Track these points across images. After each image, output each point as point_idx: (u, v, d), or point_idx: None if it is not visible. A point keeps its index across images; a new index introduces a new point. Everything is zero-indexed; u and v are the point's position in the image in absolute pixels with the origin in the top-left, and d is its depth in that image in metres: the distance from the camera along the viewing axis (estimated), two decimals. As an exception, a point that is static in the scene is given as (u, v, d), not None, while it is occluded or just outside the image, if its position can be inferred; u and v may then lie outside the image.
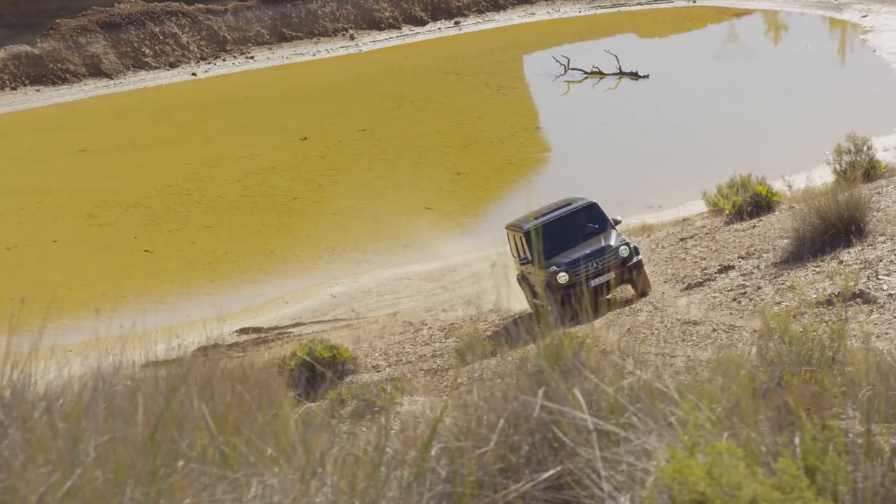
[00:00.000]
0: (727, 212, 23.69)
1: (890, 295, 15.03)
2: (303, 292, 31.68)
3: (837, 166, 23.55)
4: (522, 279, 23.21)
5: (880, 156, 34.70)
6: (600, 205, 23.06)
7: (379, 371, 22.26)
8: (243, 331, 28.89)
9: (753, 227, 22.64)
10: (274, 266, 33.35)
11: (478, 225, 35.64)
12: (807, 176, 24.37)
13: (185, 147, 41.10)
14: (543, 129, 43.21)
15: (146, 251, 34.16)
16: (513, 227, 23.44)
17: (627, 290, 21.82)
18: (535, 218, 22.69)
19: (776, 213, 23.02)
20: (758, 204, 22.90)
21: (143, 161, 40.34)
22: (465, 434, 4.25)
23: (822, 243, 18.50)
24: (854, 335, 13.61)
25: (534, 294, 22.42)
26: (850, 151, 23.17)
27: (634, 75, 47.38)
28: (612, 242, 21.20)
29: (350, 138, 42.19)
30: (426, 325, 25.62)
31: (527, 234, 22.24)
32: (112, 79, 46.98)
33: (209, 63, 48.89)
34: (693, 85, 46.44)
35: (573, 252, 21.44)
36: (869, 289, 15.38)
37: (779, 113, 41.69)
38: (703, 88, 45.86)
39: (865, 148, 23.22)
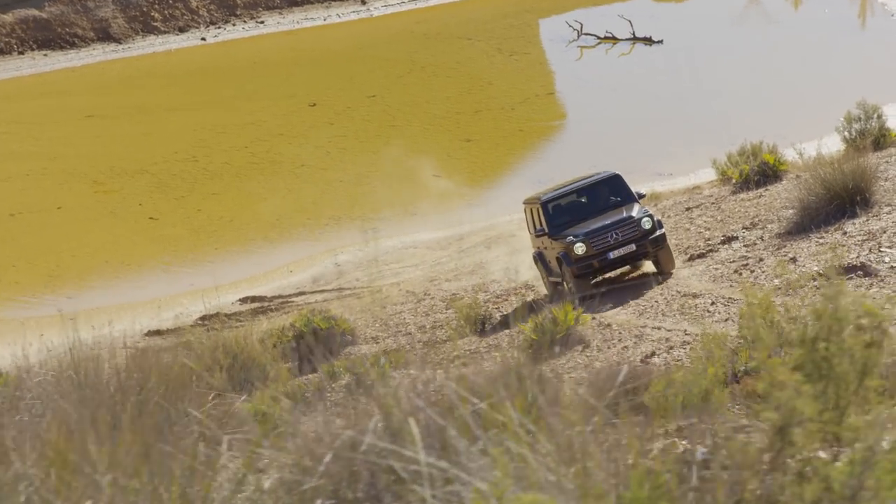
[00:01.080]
0: (734, 181, 23.22)
1: (892, 268, 14.65)
2: (307, 261, 31.39)
3: (847, 134, 23.04)
4: (538, 257, 21.85)
5: (895, 122, 34.19)
6: (623, 177, 21.84)
7: (378, 342, 21.97)
8: (246, 300, 28.64)
9: (760, 196, 22.22)
10: (279, 234, 33.06)
11: (486, 193, 35.29)
12: (818, 144, 23.84)
13: (193, 113, 40.77)
14: (555, 96, 42.69)
15: (151, 218, 33.92)
16: (530, 201, 22.21)
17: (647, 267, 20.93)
18: (555, 190, 21.67)
19: (783, 182, 22.57)
20: (765, 173, 22.44)
21: (150, 127, 40.04)
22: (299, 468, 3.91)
23: (826, 214, 18.12)
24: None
25: (549, 272, 21.32)
26: (860, 119, 22.66)
27: (648, 40, 46.79)
28: (634, 214, 19.91)
29: (359, 104, 41.78)
30: (429, 295, 25.30)
31: (544, 205, 21.06)
32: (121, 43, 46.63)
33: (219, 28, 48.50)
34: (708, 50, 45.83)
35: (592, 223, 20.24)
36: (870, 261, 14.99)
37: (794, 79, 41.10)
38: (719, 54, 45.25)
39: (876, 116, 22.70)
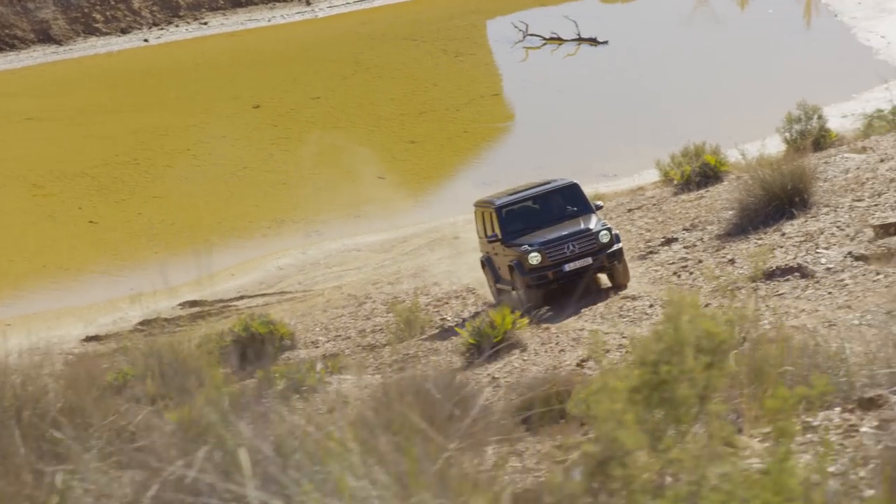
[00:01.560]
0: (676, 182, 23.14)
1: (828, 269, 14.58)
2: (249, 264, 31.09)
3: (788, 135, 23.01)
4: (486, 262, 21.14)
5: (838, 122, 34.24)
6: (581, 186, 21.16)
7: (318, 346, 21.75)
8: (186, 304, 28.30)
9: (701, 197, 22.18)
10: (221, 237, 32.71)
11: (430, 195, 35.11)
12: (761, 144, 23.82)
13: (135, 115, 40.28)
14: (501, 97, 42.54)
15: (91, 222, 33.48)
16: (482, 204, 21.42)
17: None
18: (509, 195, 20.95)
19: (724, 183, 22.53)
20: (706, 174, 22.34)
21: (92, 129, 39.52)
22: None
23: (765, 215, 18.10)
24: (787, 312, 13.11)
25: (497, 279, 20.71)
26: (800, 120, 22.63)
27: (594, 41, 46.75)
28: (592, 226, 19.27)
29: (303, 106, 41.45)
30: (370, 298, 25.07)
31: (499, 209, 20.25)
32: (62, 45, 46.01)
33: (162, 29, 47.98)
34: (655, 51, 45.83)
35: (548, 233, 19.57)
36: (807, 263, 14.92)
37: (739, 79, 41.18)
38: (664, 54, 45.27)
39: (816, 116, 22.69)
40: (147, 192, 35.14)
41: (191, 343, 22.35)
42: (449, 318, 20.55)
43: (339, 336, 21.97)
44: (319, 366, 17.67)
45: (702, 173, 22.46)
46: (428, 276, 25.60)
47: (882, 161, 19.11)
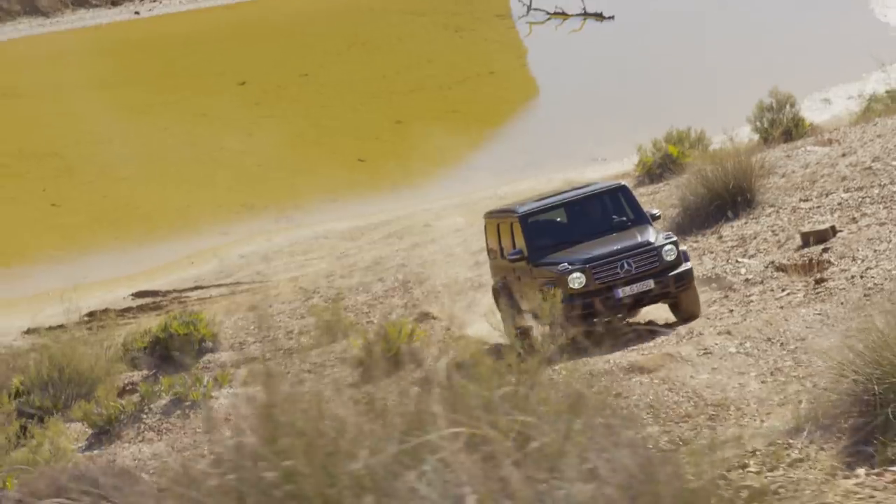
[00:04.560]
0: (636, 173, 21.45)
1: (746, 280, 12.98)
2: (211, 252, 29.68)
3: (758, 124, 21.23)
4: (502, 290, 16.32)
5: (843, 104, 32.33)
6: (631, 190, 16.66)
7: (244, 348, 20.31)
8: (140, 294, 27.00)
9: (658, 191, 20.51)
10: (187, 223, 31.35)
11: (411, 179, 33.45)
12: (732, 134, 22.01)
13: (116, 91, 38.91)
14: (496, 75, 40.78)
15: (53, 205, 32.19)
16: (499, 214, 16.75)
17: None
18: (535, 201, 16.42)
19: (685, 175, 20.78)
20: (666, 165, 20.57)
21: (68, 106, 38.21)
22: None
23: (706, 215, 16.45)
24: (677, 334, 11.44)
25: (517, 310, 15.74)
26: (771, 108, 20.83)
27: (599, 16, 44.93)
28: (652, 239, 14.86)
29: (291, 83, 39.92)
30: (318, 292, 23.65)
31: (523, 219, 15.66)
32: (49, 17, 44.70)
33: (154, 1, 46.59)
34: (662, 26, 43.91)
35: (592, 247, 15.12)
36: (726, 273, 13.34)
37: (748, 56, 39.24)
38: (672, 30, 43.36)
39: (788, 105, 20.88)
40: (116, 174, 33.80)
41: (105, 346, 20.95)
42: (375, 321, 19.00)
43: (268, 337, 20.52)
44: (207, 378, 16.29)
45: (663, 164, 20.64)
46: (380, 270, 24.08)
47: (844, 155, 17.41)
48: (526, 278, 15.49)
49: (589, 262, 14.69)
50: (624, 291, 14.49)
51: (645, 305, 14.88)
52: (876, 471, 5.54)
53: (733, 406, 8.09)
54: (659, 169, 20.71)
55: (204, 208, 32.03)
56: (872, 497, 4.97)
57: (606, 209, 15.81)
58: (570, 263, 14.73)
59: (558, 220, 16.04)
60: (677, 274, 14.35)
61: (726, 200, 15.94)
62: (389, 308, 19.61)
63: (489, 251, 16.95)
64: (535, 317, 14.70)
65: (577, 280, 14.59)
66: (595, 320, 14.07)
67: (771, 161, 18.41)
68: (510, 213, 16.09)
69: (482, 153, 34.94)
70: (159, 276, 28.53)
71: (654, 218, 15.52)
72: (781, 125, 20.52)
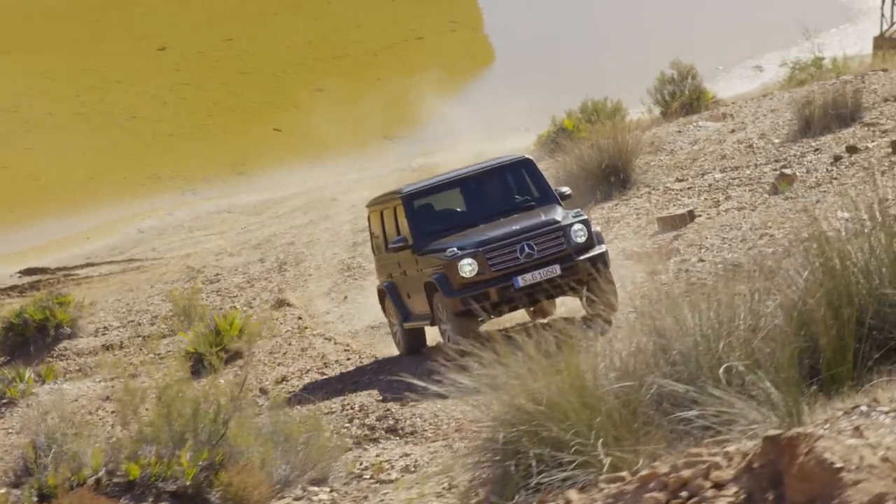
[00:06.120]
0: (533, 149, 20.28)
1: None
2: (109, 227, 28.50)
3: (658, 97, 20.07)
4: (389, 292, 13.95)
5: (775, 72, 31.08)
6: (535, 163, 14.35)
7: (106, 334, 19.15)
8: (28, 271, 25.80)
9: (547, 168, 19.27)
10: (88, 195, 30.14)
11: (325, 151, 32.17)
12: (632, 110, 20.88)
13: (27, 56, 37.39)
14: (426, 40, 39.44)
15: (-52, 177, 30.86)
16: (382, 200, 14.40)
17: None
18: (426, 181, 14.45)
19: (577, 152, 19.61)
20: (560, 140, 19.37)
21: (-26, 73, 36.69)
22: None
23: (580, 195, 15.33)
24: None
25: (405, 315, 13.66)
26: (672, 80, 19.67)
27: (537, -20, 43.48)
28: (559, 218, 12.76)
29: (213, 48, 38.51)
30: (202, 272, 22.42)
31: (408, 200, 13.47)
32: (-36, -21, 43.05)
33: (78, -37, 44.94)
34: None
35: (488, 229, 13.00)
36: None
37: (683, 24, 37.97)
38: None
39: (690, 77, 19.72)
40: (20, 144, 32.48)
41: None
42: (238, 307, 17.84)
43: (133, 322, 19.37)
44: (29, 373, 15.21)
45: (556, 141, 19.46)
46: (268, 248, 22.93)
47: (733, 132, 16.34)
48: (412, 271, 13.34)
49: (482, 245, 12.56)
50: (524, 279, 12.39)
51: (552, 297, 12.89)
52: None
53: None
54: (553, 144, 19.48)
55: (108, 179, 30.82)
56: None
57: (507, 187, 13.65)
58: (459, 248, 12.58)
59: (451, 200, 13.79)
60: (589, 258, 12.32)
61: (600, 180, 14.74)
62: (256, 292, 18.45)
63: (373, 246, 14.64)
64: (424, 319, 13.10)
65: (468, 267, 12.45)
66: (492, 316, 12.46)
67: (661, 137, 17.34)
68: (393, 195, 13.89)
69: (403, 123, 33.71)
70: (52, 252, 27.39)
71: (564, 197, 13.38)
72: (682, 98, 19.34)
